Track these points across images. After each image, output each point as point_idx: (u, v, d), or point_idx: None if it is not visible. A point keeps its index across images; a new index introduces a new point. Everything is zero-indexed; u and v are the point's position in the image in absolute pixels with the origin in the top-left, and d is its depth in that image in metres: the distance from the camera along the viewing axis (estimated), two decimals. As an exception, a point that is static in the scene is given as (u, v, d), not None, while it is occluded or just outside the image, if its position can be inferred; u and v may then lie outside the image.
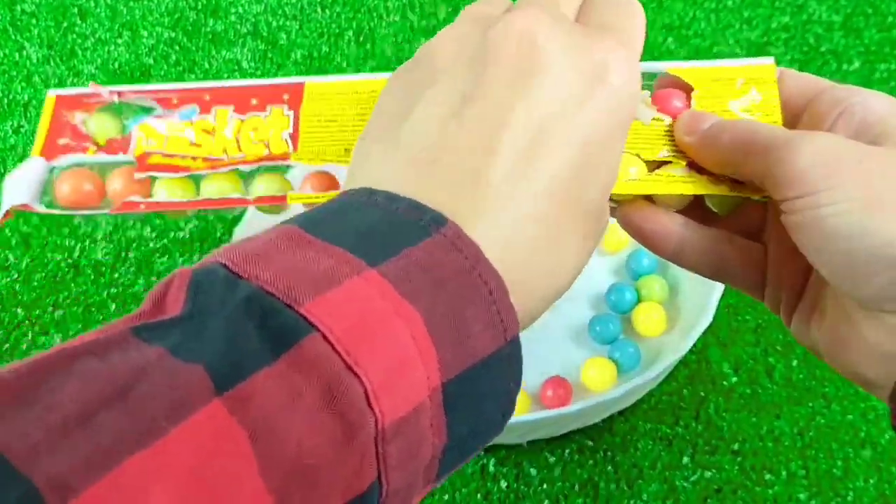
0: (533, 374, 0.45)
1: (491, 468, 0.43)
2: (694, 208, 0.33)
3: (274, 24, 0.64)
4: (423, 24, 0.64)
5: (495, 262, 0.23)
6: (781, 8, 0.65)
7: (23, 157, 0.57)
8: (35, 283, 0.51)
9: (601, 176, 0.27)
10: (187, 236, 0.53)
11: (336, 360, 0.19)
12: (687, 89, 0.34)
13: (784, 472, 0.43)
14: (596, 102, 0.26)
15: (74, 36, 0.63)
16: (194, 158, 0.35)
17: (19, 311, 0.49)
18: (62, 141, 0.36)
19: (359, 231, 0.22)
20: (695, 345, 0.46)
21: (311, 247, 0.21)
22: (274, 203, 0.34)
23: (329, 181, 0.34)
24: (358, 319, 0.20)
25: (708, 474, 0.43)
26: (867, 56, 0.62)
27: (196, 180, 0.35)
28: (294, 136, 0.35)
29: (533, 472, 0.43)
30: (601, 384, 0.44)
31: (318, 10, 0.65)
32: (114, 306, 0.49)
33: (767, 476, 0.43)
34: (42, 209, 0.34)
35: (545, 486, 0.43)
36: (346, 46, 0.63)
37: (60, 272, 0.51)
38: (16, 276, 0.51)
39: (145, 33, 0.63)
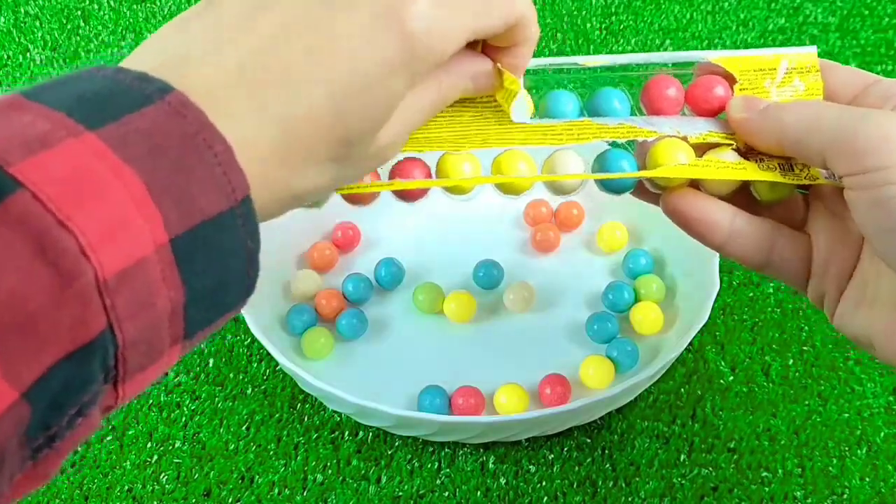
0: (532, 372, 0.45)
1: (490, 465, 0.44)
2: (739, 198, 0.33)
3: (275, 26, 0.65)
4: (423, 26, 0.65)
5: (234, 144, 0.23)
6: (777, 10, 0.65)
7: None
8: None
9: (367, 109, 0.26)
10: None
11: (47, 217, 0.20)
12: (729, 79, 0.34)
13: (780, 471, 0.44)
14: (365, 31, 0.25)
15: (78, 38, 0.64)
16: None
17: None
18: None
19: (82, 97, 0.22)
20: (691, 344, 0.47)
21: (28, 111, 0.22)
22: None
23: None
24: (72, 180, 0.21)
25: (705, 472, 0.44)
26: (863, 57, 0.62)
27: None
28: None
29: (532, 469, 0.44)
30: (599, 382, 0.45)
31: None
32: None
33: (764, 474, 0.43)
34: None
35: (544, 483, 0.43)
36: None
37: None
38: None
39: (148, 35, 0.64)
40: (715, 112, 0.34)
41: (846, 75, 0.32)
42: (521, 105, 0.32)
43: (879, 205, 0.27)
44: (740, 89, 0.33)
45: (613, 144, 0.34)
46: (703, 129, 0.33)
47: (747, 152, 0.33)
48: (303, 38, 0.25)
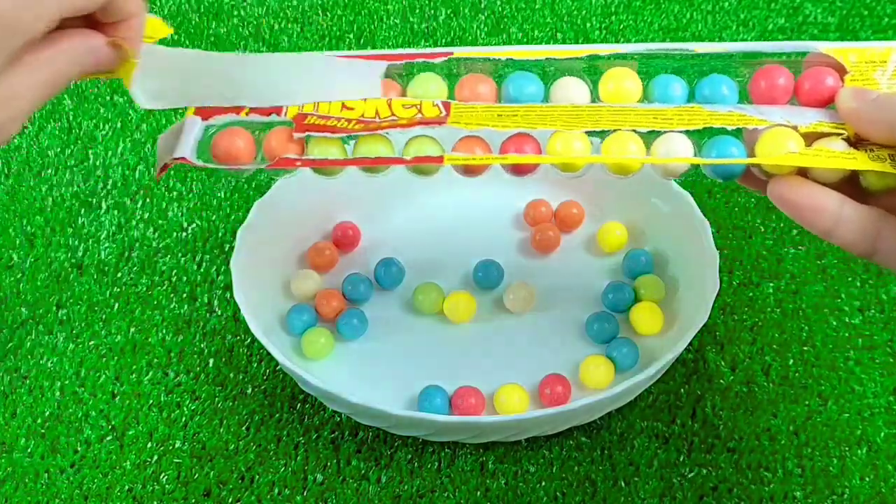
0: (532, 372, 0.45)
1: (490, 465, 0.44)
2: (847, 186, 0.33)
3: (276, 26, 0.64)
4: (423, 26, 0.65)
5: None
6: (777, 10, 0.65)
7: (27, 158, 0.57)
8: (39, 283, 0.51)
9: None
10: (190, 236, 0.53)
11: None
12: (839, 70, 0.34)
13: (780, 470, 0.44)
14: None
15: (77, 38, 0.64)
16: (349, 120, 0.35)
17: (23, 310, 0.50)
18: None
19: None
20: (691, 343, 0.47)
21: None
22: (430, 163, 0.35)
23: (481, 144, 0.35)
24: None
25: (704, 472, 0.44)
26: (863, 58, 0.62)
27: (347, 143, 0.36)
28: (446, 104, 0.35)
29: (532, 469, 0.44)
30: (599, 382, 0.45)
31: (320, 12, 0.65)
32: (117, 305, 0.50)
33: (764, 474, 0.43)
34: (199, 163, 0.35)
35: (543, 483, 0.43)
36: (347, 49, 0.63)
37: (64, 272, 0.52)
38: (20, 275, 0.51)
39: (148, 36, 0.64)
40: (825, 102, 0.34)
41: None
42: (139, 81, 0.33)
43: None
44: (850, 80, 0.33)
45: (722, 131, 0.34)
46: (812, 118, 0.33)
47: (857, 142, 0.33)
48: None
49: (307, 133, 0.35)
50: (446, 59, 0.36)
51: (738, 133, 0.34)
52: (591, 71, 0.36)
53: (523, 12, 0.65)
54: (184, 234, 0.53)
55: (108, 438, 0.45)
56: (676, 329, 0.46)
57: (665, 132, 0.34)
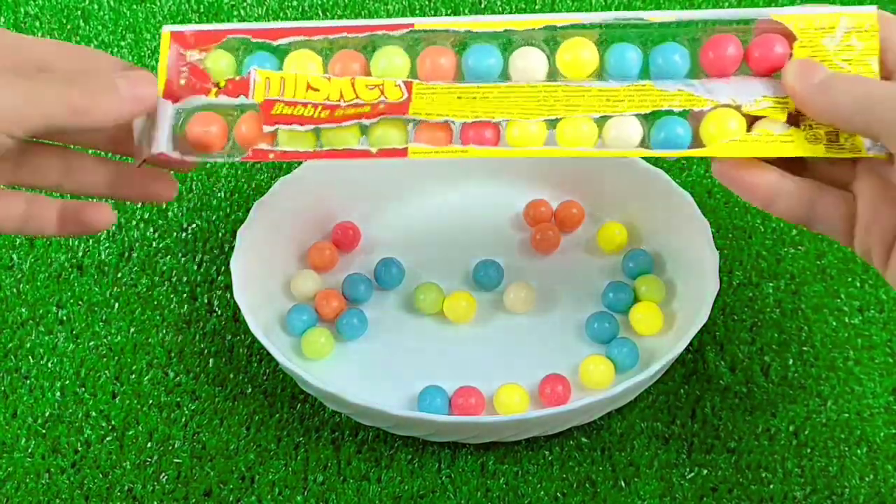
0: (532, 372, 0.45)
1: (490, 466, 0.44)
2: (787, 158, 0.35)
3: (275, 26, 0.65)
4: (423, 26, 0.65)
5: None
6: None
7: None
8: (39, 283, 0.51)
9: None
10: (190, 236, 0.53)
11: None
12: (789, 37, 0.35)
13: (780, 471, 0.44)
14: None
15: (78, 38, 0.64)
16: (315, 106, 0.37)
17: (24, 310, 0.50)
18: (183, 81, 0.38)
19: None
20: (691, 344, 0.47)
21: None
22: (395, 156, 0.37)
23: (443, 128, 0.37)
24: None
25: (704, 472, 0.44)
26: (863, 58, 0.62)
27: (317, 133, 0.37)
28: (408, 84, 0.37)
29: (532, 469, 0.44)
30: (599, 382, 0.45)
31: (319, 12, 0.65)
32: (117, 305, 0.50)
33: (763, 474, 0.44)
34: (176, 156, 0.37)
35: (544, 483, 0.43)
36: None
37: (64, 272, 0.52)
38: (20, 275, 0.51)
39: (148, 36, 0.64)
40: (774, 70, 0.35)
41: None
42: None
43: None
44: (800, 46, 0.34)
45: (670, 112, 0.36)
46: (758, 93, 0.35)
47: (798, 115, 0.35)
48: None
49: (277, 126, 0.37)
50: (407, 31, 0.37)
51: (684, 113, 0.36)
52: (550, 41, 0.37)
53: (523, 13, 0.65)
54: (184, 234, 0.53)
55: (109, 438, 0.45)
56: (676, 329, 0.47)
57: (616, 116, 0.36)
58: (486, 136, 0.37)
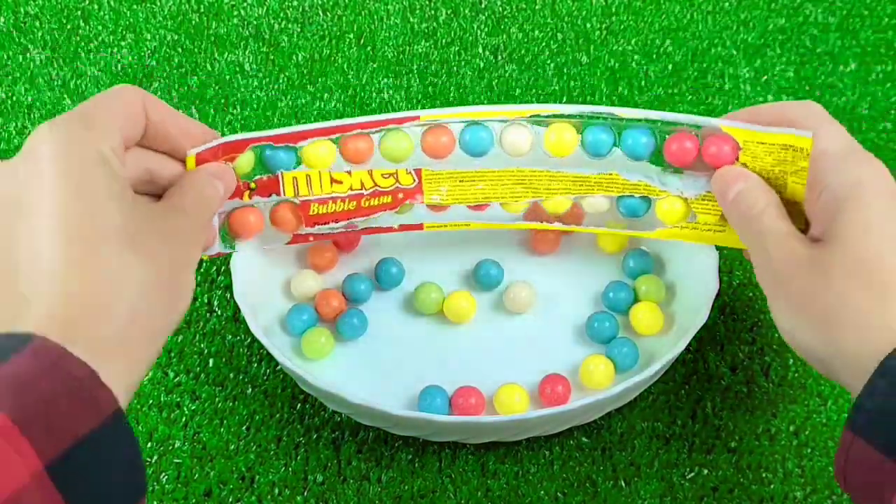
0: (532, 372, 0.45)
1: (491, 466, 0.44)
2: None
3: (276, 26, 0.64)
4: (423, 26, 0.65)
5: (87, 353, 0.27)
6: (777, 10, 0.65)
7: (27, 158, 0.57)
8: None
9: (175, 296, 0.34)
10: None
11: None
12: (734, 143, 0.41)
13: (780, 471, 0.44)
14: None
15: (78, 38, 0.64)
16: (343, 200, 0.45)
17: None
18: None
19: None
20: (691, 344, 0.47)
21: None
22: (413, 230, 0.47)
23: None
24: None
25: (705, 472, 0.44)
26: (863, 58, 0.62)
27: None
28: (418, 171, 0.45)
29: (532, 469, 0.44)
30: (599, 382, 0.45)
31: (320, 12, 0.65)
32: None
33: (764, 474, 0.44)
34: (228, 250, 0.45)
35: (544, 483, 0.43)
36: (348, 49, 0.63)
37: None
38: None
39: (148, 36, 0.64)
40: (720, 166, 0.42)
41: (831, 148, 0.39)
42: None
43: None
44: (742, 155, 0.41)
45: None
46: (703, 188, 0.43)
47: None
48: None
49: (316, 226, 0.46)
50: (414, 123, 0.43)
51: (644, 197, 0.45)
52: (535, 124, 0.44)
53: (524, 12, 0.65)
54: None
55: (109, 438, 0.45)
56: (676, 329, 0.46)
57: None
58: (485, 209, 0.47)
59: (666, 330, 0.47)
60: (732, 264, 0.51)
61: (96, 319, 0.29)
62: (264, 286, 0.48)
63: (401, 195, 0.45)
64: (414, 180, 0.45)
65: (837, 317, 0.34)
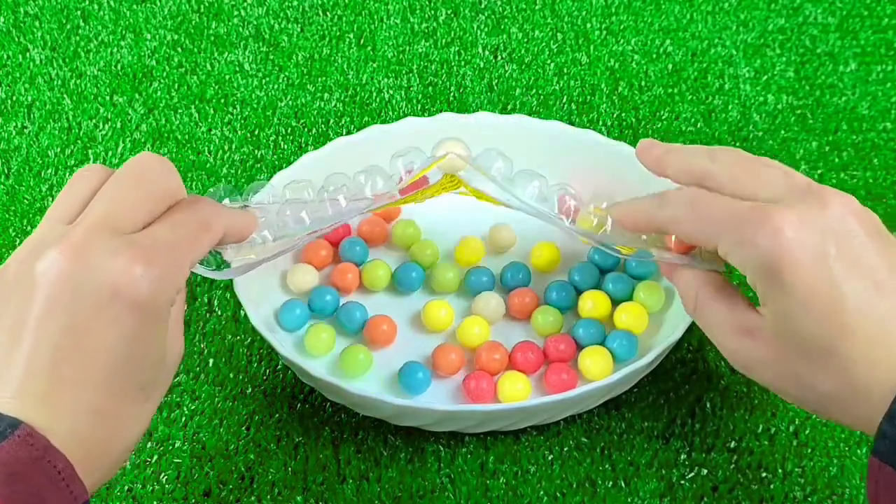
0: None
1: (490, 465, 0.44)
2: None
3: (276, 26, 0.64)
4: (423, 26, 0.65)
5: (64, 446, 0.30)
6: (777, 10, 0.65)
7: (27, 158, 0.57)
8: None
9: (148, 358, 0.34)
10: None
11: None
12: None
13: (780, 471, 0.44)
14: (110, 316, 0.32)
15: (77, 38, 0.64)
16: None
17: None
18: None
19: None
20: (691, 343, 0.47)
21: None
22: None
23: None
24: None
25: (704, 472, 0.44)
26: (863, 58, 0.62)
27: None
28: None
29: (532, 469, 0.44)
30: (598, 374, 0.44)
31: (320, 12, 0.65)
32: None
33: (763, 474, 0.44)
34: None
35: (544, 483, 0.43)
36: (347, 49, 0.63)
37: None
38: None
39: (148, 35, 0.64)
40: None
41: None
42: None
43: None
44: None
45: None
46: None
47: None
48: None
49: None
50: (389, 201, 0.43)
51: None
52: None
53: (524, 12, 0.65)
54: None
55: (108, 438, 0.45)
56: (672, 322, 0.46)
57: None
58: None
59: (664, 315, 0.47)
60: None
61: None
62: (264, 286, 0.48)
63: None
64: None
65: (830, 374, 0.35)
